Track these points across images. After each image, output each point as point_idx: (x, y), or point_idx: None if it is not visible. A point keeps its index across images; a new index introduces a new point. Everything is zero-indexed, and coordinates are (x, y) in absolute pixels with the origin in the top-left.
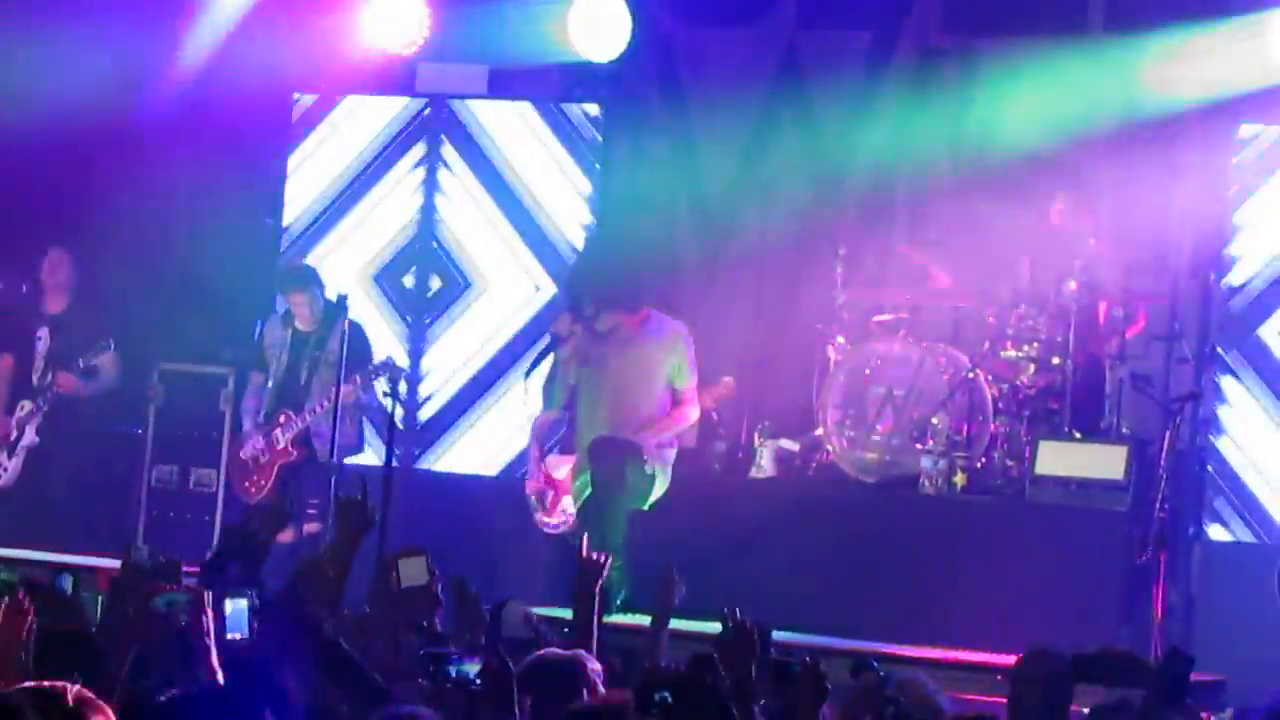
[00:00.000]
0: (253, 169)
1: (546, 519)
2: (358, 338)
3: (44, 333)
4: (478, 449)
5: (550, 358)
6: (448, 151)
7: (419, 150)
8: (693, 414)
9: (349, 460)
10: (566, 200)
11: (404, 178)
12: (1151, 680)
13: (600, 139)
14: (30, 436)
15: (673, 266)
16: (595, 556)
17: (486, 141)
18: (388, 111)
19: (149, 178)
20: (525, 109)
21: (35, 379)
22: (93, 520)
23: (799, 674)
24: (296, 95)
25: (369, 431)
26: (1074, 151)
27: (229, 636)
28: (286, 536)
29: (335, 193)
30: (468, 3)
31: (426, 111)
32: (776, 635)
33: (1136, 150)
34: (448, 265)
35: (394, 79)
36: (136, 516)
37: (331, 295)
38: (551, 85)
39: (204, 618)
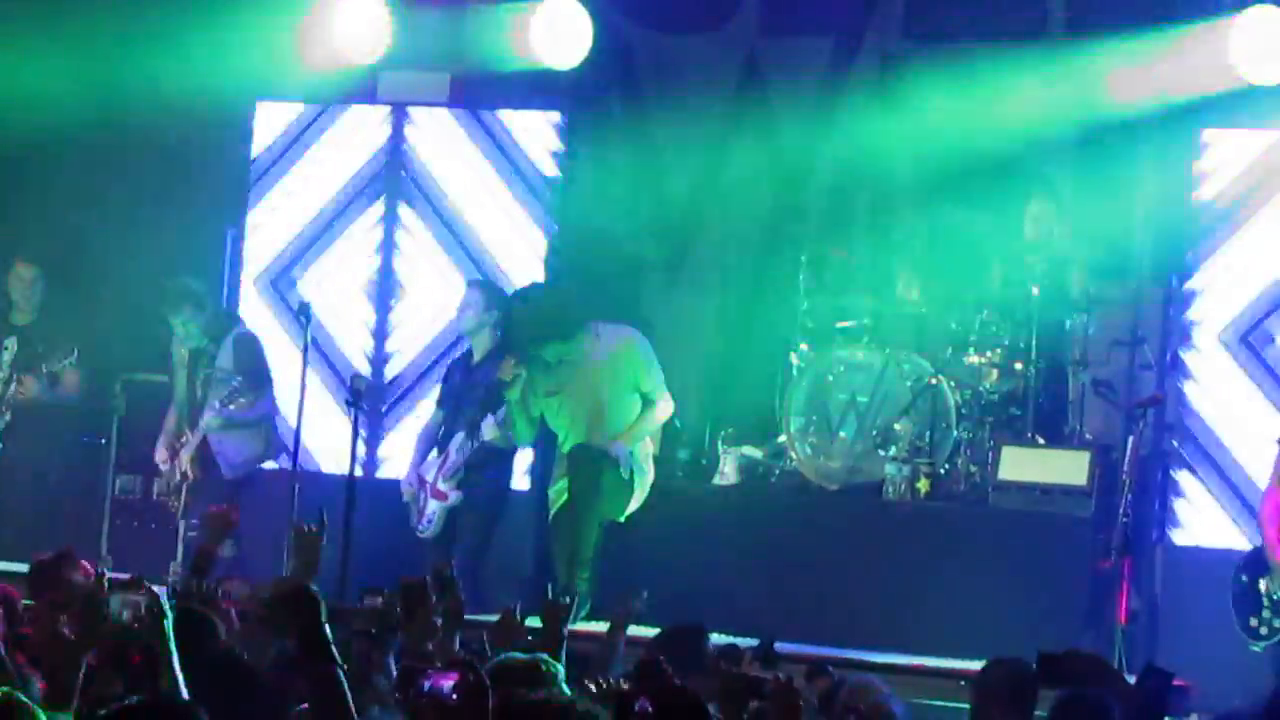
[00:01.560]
0: (216, 178)
1: (418, 523)
2: (246, 350)
3: (11, 342)
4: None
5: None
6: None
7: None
8: (664, 410)
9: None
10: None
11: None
12: (1122, 689)
13: (562, 148)
14: None
15: (635, 273)
16: (562, 602)
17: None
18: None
19: (111, 186)
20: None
21: (1, 388)
22: (56, 530)
23: (772, 692)
24: (259, 102)
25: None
26: (1036, 157)
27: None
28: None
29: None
30: (429, 11)
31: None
32: (740, 642)
33: (1098, 155)
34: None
35: (356, 87)
36: (100, 526)
37: (221, 305)
38: (513, 93)
39: (164, 623)
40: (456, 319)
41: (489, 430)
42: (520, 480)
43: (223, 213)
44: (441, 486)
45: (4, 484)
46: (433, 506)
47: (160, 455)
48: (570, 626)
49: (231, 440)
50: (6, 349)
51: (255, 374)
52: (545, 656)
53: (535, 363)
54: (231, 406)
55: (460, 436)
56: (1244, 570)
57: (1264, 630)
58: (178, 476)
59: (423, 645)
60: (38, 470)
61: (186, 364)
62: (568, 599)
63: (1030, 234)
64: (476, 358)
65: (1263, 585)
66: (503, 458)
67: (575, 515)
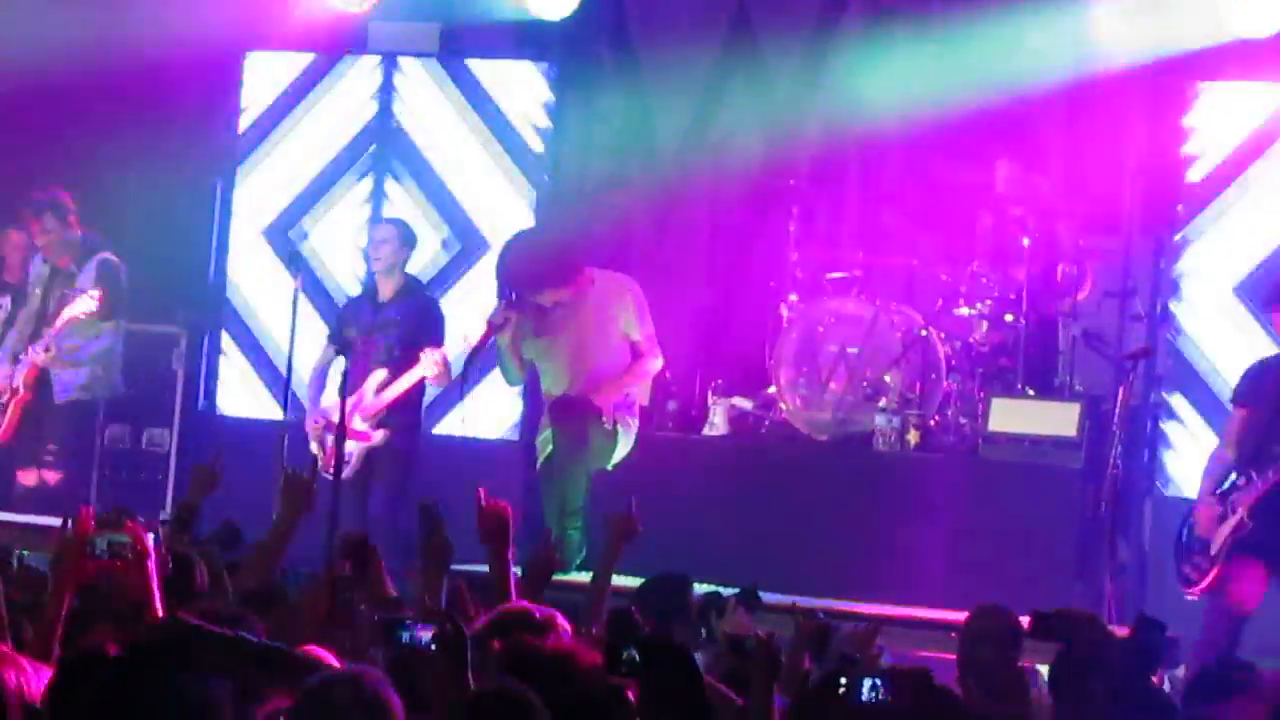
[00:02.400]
0: (204, 128)
1: (328, 467)
2: (107, 275)
3: (5, 301)
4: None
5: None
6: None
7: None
8: (653, 364)
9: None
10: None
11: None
12: (1115, 645)
13: (552, 98)
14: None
15: (625, 225)
16: (550, 555)
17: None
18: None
19: (100, 138)
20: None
21: None
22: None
23: (752, 650)
24: (248, 52)
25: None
26: (1026, 109)
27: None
28: (29, 480)
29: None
30: None
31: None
32: (726, 592)
33: (1089, 108)
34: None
35: (346, 37)
36: (89, 477)
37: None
38: (503, 43)
39: (149, 559)
40: (372, 255)
41: (427, 366)
42: (510, 431)
43: (212, 165)
44: (360, 426)
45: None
46: (349, 448)
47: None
48: (564, 576)
49: (69, 367)
50: (1, 308)
51: (111, 302)
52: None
53: (529, 306)
54: (78, 314)
55: (381, 374)
56: (1186, 520)
57: (1194, 575)
58: (8, 393)
59: (383, 593)
60: (30, 420)
61: (45, 281)
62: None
63: (1001, 188)
64: (385, 295)
65: (1190, 530)
66: (414, 394)
67: (561, 466)
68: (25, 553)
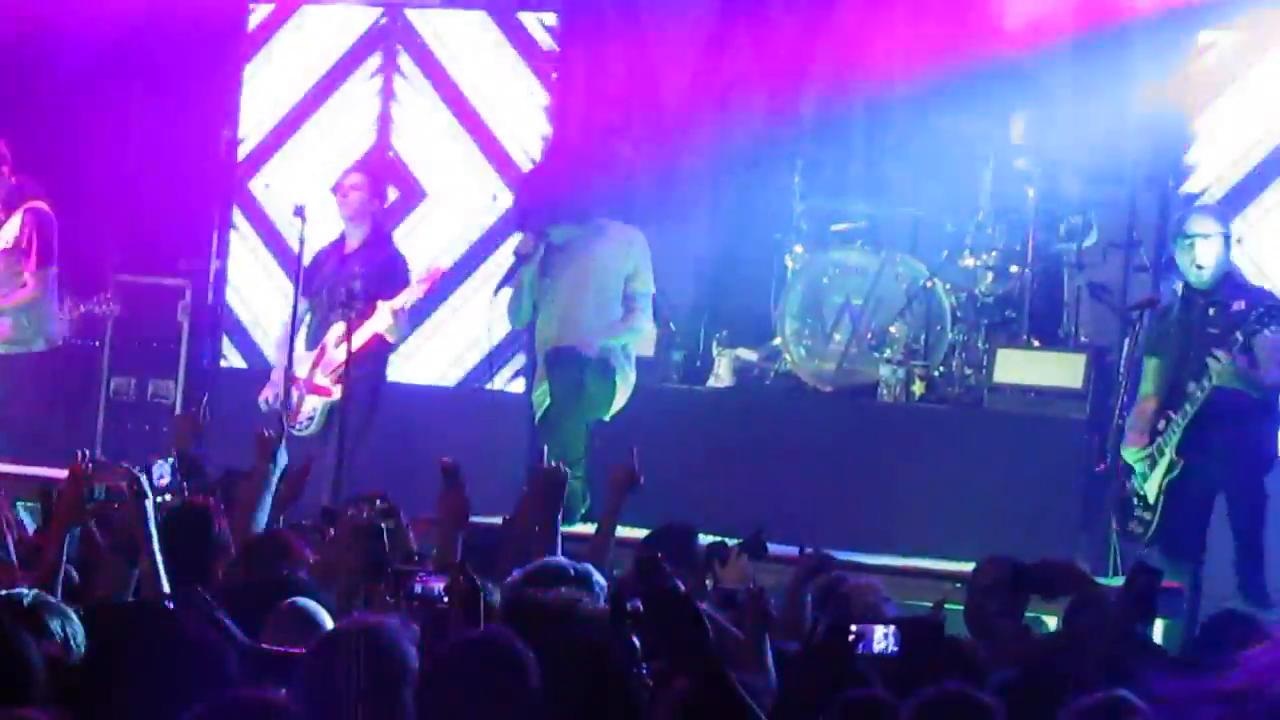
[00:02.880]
0: (209, 80)
1: (293, 422)
2: (37, 223)
3: None
4: (436, 359)
5: (517, 276)
6: (404, 61)
7: (375, 60)
8: (645, 322)
9: None
10: (523, 110)
11: (360, 87)
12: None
13: (556, 48)
14: None
15: (628, 177)
16: (556, 466)
17: (443, 52)
18: (345, 22)
19: (104, 90)
20: (482, 20)
21: None
22: (49, 433)
23: (743, 602)
24: (253, 5)
25: None
26: (1032, 59)
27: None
28: None
29: (291, 104)
30: None
31: (383, 22)
32: (731, 543)
33: (1094, 57)
34: (404, 175)
35: None
36: (94, 428)
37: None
38: None
39: (144, 504)
40: (340, 199)
41: (382, 319)
42: (513, 383)
43: (216, 113)
44: (321, 381)
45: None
46: (311, 403)
47: None
48: (567, 528)
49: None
50: None
51: (41, 251)
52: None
53: (548, 241)
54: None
55: (341, 327)
56: (1125, 478)
57: (1139, 529)
58: None
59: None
60: (33, 373)
61: None
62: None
63: (1017, 139)
64: (351, 246)
65: (1130, 486)
66: (376, 349)
67: (559, 418)
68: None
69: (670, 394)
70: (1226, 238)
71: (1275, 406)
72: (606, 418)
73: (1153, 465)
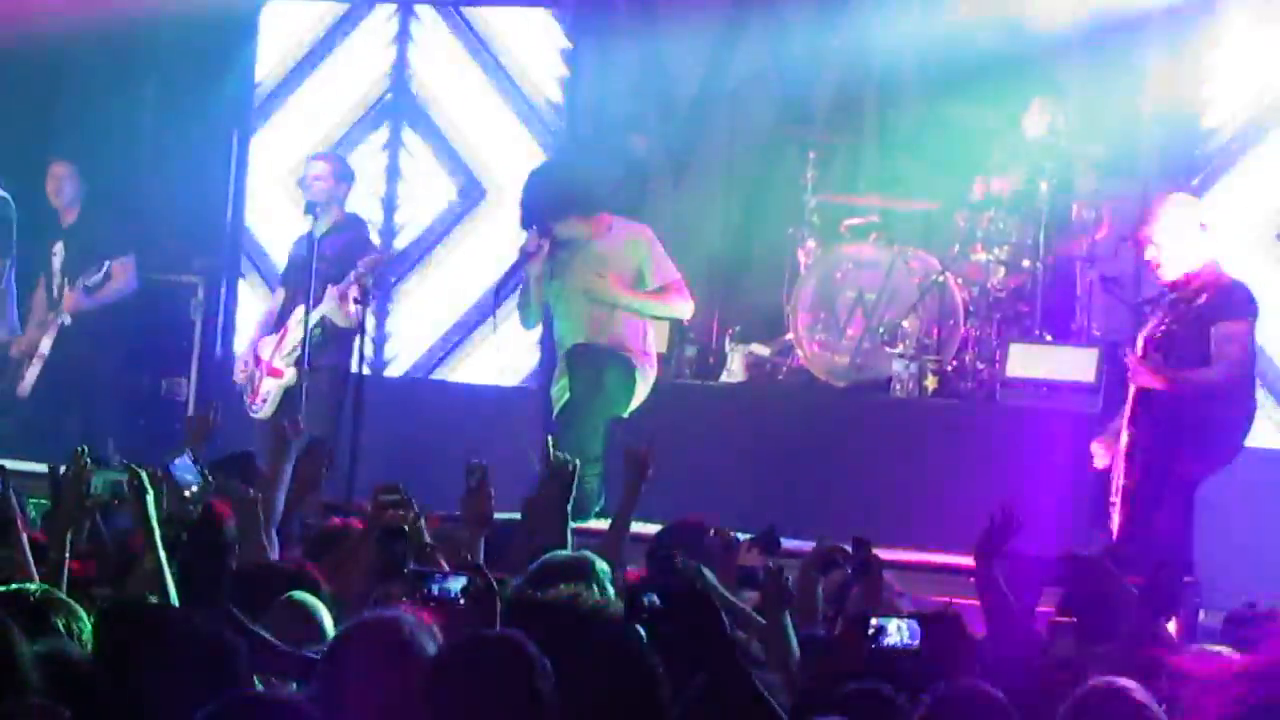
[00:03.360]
0: (221, 78)
1: (251, 403)
2: None
3: (58, 248)
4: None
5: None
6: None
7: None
8: (679, 300)
9: None
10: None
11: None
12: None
13: (569, 45)
14: (45, 347)
15: (641, 172)
16: (565, 460)
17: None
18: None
19: (117, 84)
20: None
21: (57, 293)
22: (62, 429)
23: (763, 581)
24: None
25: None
26: (1044, 51)
27: (185, 492)
28: None
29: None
30: None
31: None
32: (743, 538)
33: (1107, 49)
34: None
35: None
36: (107, 425)
37: None
38: None
39: (145, 501)
40: (306, 187)
41: (327, 304)
42: (525, 378)
43: (229, 114)
44: (277, 364)
45: (52, 385)
46: (268, 385)
47: None
48: (584, 523)
49: None
50: (55, 255)
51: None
52: (593, 556)
53: (551, 239)
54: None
55: (300, 311)
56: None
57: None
58: None
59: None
60: (87, 371)
61: None
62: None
63: (1033, 132)
64: (320, 231)
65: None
66: (343, 338)
67: (578, 413)
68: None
69: (683, 389)
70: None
71: (1194, 404)
72: (625, 415)
73: (1109, 448)
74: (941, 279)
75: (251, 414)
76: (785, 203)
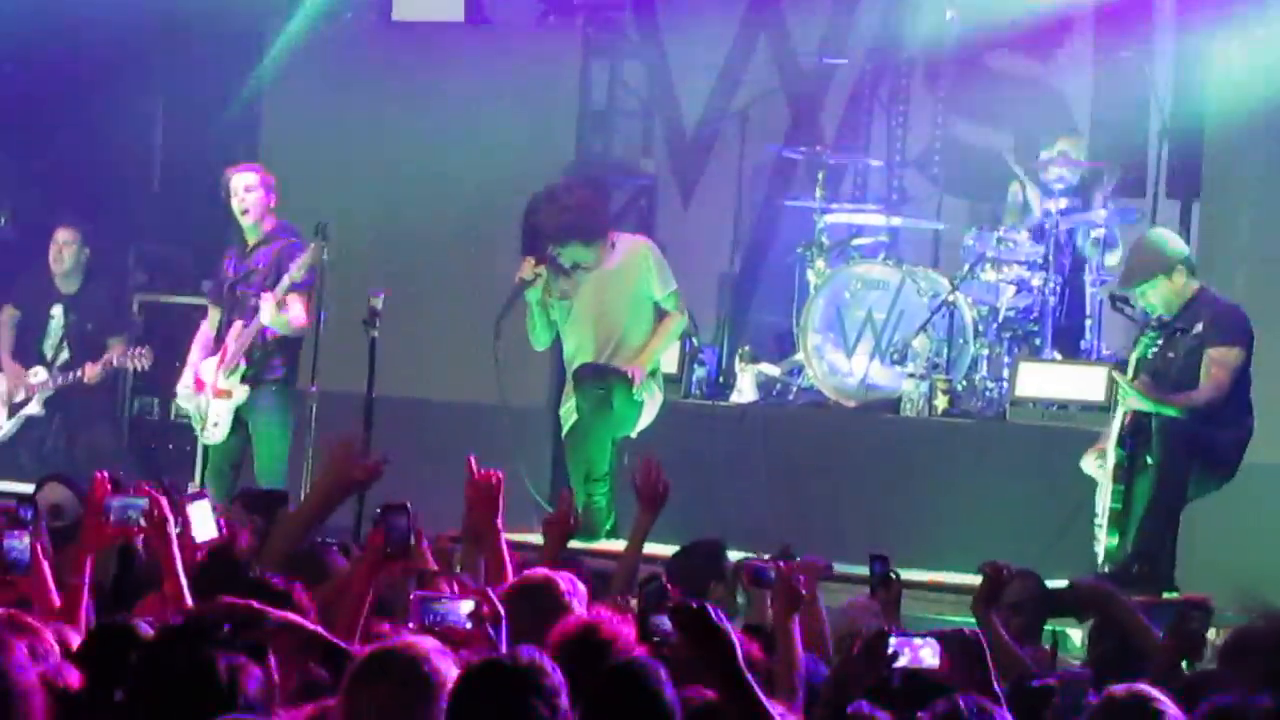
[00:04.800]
0: (227, 102)
1: (202, 429)
2: None
3: (58, 311)
4: None
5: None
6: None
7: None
8: (677, 319)
9: None
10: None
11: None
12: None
13: (578, 65)
14: (36, 407)
15: (651, 191)
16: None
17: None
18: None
19: (128, 111)
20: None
21: (50, 354)
22: (74, 453)
23: (774, 581)
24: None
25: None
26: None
27: (200, 540)
28: None
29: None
30: None
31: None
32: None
33: (1117, 69)
34: None
35: (371, 4)
36: (119, 448)
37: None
38: (527, 11)
39: (167, 524)
40: (237, 207)
41: (266, 313)
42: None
43: (236, 137)
44: (223, 384)
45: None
46: (216, 408)
47: None
48: (592, 543)
49: None
50: (53, 317)
51: None
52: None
53: (552, 263)
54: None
55: (238, 325)
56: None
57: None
58: None
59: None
60: (58, 392)
61: None
62: (573, 517)
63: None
64: (252, 242)
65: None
66: (287, 347)
67: (586, 432)
68: None
69: (693, 409)
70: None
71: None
72: (633, 434)
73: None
74: (951, 298)
75: (203, 440)
76: (794, 222)
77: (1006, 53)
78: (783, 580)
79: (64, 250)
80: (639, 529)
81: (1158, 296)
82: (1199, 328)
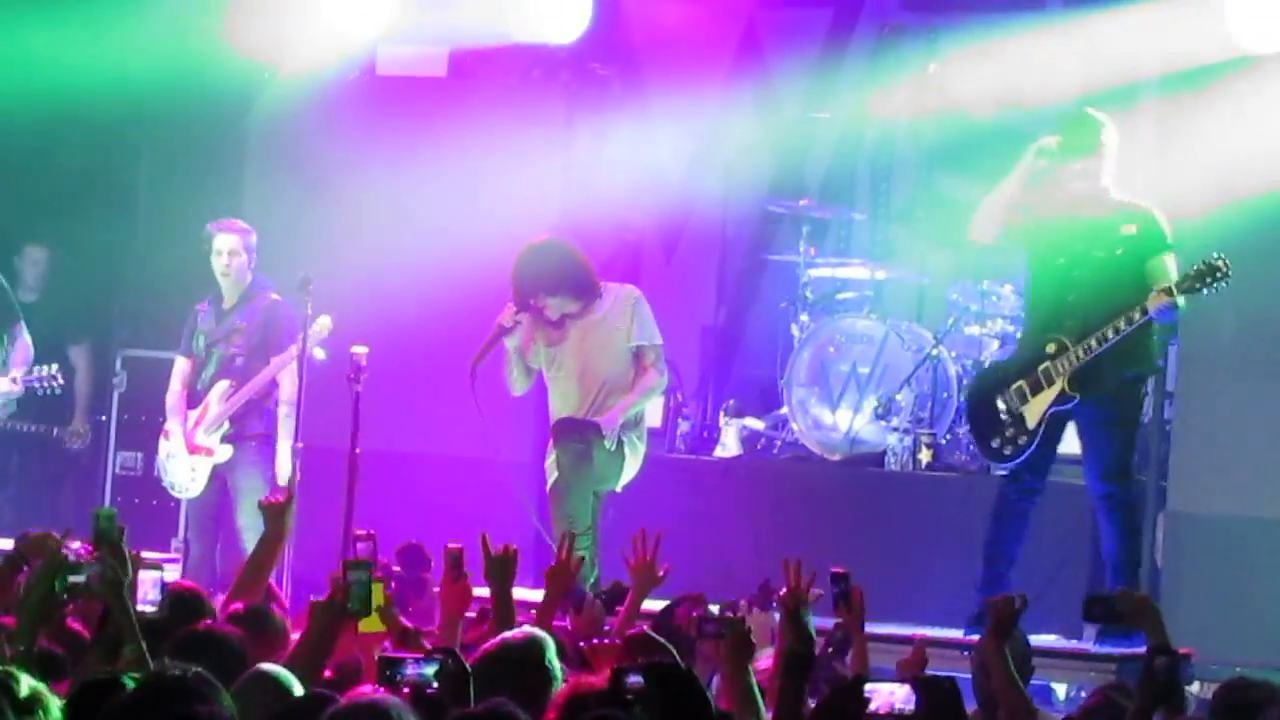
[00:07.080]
0: (212, 156)
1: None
2: None
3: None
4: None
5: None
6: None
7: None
8: (656, 380)
9: None
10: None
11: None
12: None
13: (561, 121)
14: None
15: (635, 246)
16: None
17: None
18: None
19: (111, 165)
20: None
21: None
22: (57, 506)
23: (727, 631)
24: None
25: None
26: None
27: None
28: None
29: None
30: None
31: None
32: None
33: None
34: None
35: (354, 61)
36: (101, 502)
37: None
38: (512, 67)
39: (120, 593)
40: (219, 269)
41: (287, 389)
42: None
43: (220, 188)
44: (203, 441)
45: (5, 458)
46: (194, 463)
47: None
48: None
49: None
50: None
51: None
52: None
53: (539, 313)
54: None
55: (224, 385)
56: (977, 392)
57: (1008, 449)
58: None
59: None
60: (40, 445)
61: None
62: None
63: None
64: (230, 302)
65: (1000, 404)
66: (265, 406)
67: (566, 488)
68: None
69: (677, 464)
70: None
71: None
72: (617, 488)
73: (1035, 389)
74: (935, 352)
75: (176, 494)
76: (778, 276)
77: (991, 105)
78: (733, 630)
79: (27, 269)
80: (632, 608)
81: None
82: None
